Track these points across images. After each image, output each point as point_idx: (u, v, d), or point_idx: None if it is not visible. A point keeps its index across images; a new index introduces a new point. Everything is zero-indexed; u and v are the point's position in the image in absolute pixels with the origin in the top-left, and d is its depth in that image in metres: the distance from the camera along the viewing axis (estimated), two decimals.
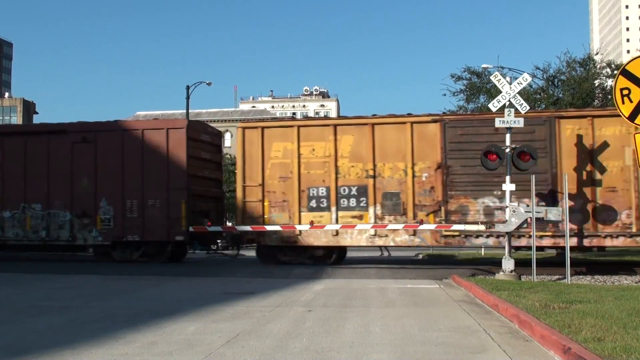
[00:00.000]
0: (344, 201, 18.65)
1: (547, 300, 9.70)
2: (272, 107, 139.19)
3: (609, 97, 25.27)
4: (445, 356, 6.52)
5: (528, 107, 15.48)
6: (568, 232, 14.42)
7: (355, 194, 18.59)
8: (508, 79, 16.44)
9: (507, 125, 15.15)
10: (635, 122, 10.83)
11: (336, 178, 18.68)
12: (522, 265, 15.76)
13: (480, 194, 17.82)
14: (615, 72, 23.84)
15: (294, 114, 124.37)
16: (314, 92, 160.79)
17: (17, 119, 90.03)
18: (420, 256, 25.93)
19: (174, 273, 16.90)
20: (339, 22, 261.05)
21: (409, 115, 18.78)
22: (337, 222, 18.44)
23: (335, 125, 19.04)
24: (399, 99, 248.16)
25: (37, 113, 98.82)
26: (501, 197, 16.99)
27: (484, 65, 29.43)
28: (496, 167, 15.58)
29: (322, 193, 18.70)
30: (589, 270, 17.21)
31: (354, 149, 18.65)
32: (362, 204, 18.50)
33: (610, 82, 27.40)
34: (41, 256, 23.33)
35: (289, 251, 19.29)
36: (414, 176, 18.11)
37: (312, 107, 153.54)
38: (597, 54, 30.83)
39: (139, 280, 14.85)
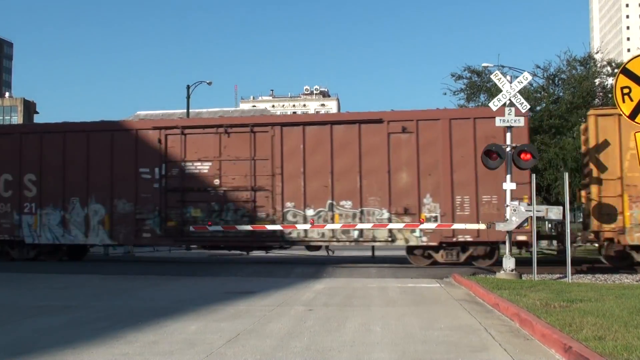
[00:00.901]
0: None
1: (547, 299, 9.70)
2: (273, 106, 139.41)
3: (610, 95, 25.25)
4: (446, 355, 6.51)
5: (529, 106, 15.48)
6: (568, 230, 14.41)
7: None
8: (508, 77, 16.40)
9: (508, 125, 15.15)
10: (636, 120, 10.83)
11: None
12: (522, 264, 15.74)
13: None
14: (616, 70, 23.79)
15: (294, 113, 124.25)
16: (315, 92, 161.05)
17: (17, 119, 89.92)
18: None
19: (175, 272, 16.90)
20: (340, 21, 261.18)
21: None
22: None
23: None
24: (399, 98, 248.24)
25: (37, 113, 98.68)
26: None
27: (484, 64, 29.42)
28: (497, 166, 15.57)
29: None
30: (589, 269, 17.20)
31: None
32: None
33: (610, 81, 27.39)
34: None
35: None
36: None
37: (312, 106, 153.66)
38: (597, 52, 30.76)
39: (139, 280, 14.84)
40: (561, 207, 15.10)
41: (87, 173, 20.55)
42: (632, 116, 10.78)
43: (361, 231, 18.76)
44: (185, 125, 20.53)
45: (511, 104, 15.11)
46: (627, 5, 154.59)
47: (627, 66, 10.93)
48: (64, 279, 14.95)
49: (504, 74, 18.56)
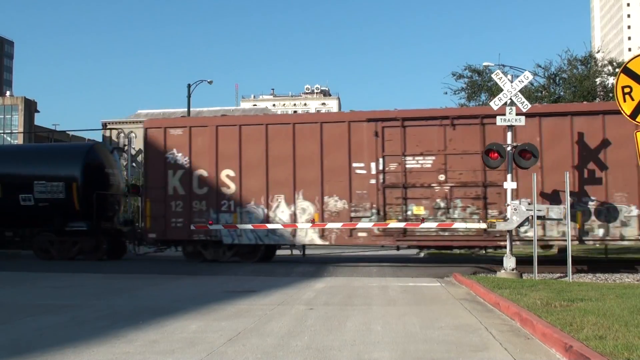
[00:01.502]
0: None
1: (548, 299, 9.69)
2: (274, 105, 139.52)
3: (610, 95, 25.24)
4: (447, 354, 6.52)
5: (530, 105, 15.50)
6: (569, 230, 14.41)
7: None
8: (509, 77, 16.41)
9: (509, 124, 15.17)
10: (637, 120, 10.83)
11: None
12: (523, 263, 15.75)
13: None
14: (617, 70, 23.77)
15: (295, 112, 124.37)
16: (315, 91, 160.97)
17: (18, 118, 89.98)
18: (422, 254, 25.90)
19: (176, 271, 16.90)
20: (340, 20, 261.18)
21: None
22: None
23: None
24: (400, 97, 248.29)
25: (38, 112, 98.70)
26: None
27: (485, 63, 29.44)
28: (498, 165, 15.59)
29: None
30: (590, 268, 17.20)
31: None
32: None
33: (611, 80, 27.38)
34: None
35: None
36: None
37: (313, 105, 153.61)
38: (598, 51, 30.78)
39: (140, 279, 14.86)
40: (562, 207, 15.10)
41: (293, 168, 19.38)
42: (633, 115, 10.78)
43: (607, 230, 17.36)
44: (405, 117, 19.10)
45: (512, 103, 15.12)
46: (628, 5, 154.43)
47: (628, 65, 10.93)
48: (66, 278, 14.97)
49: (505, 73, 18.56)
